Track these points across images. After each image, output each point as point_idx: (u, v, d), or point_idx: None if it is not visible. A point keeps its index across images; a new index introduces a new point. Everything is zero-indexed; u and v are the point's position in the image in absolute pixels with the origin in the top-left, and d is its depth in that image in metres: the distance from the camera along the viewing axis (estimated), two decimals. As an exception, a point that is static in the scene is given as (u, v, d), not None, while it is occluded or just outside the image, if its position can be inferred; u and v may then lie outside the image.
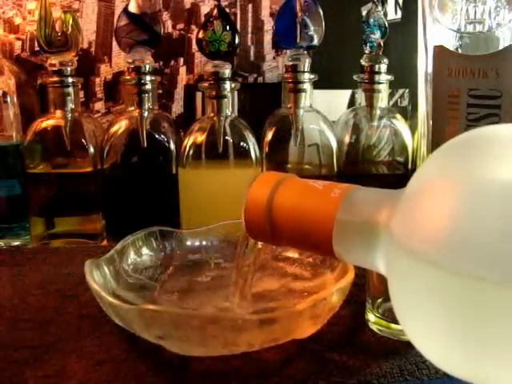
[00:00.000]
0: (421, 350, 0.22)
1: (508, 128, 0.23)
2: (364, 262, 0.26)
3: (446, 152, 0.23)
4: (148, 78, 0.51)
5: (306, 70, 0.51)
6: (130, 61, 0.51)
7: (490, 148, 0.22)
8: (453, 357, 0.21)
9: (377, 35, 0.53)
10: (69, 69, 0.51)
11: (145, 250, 0.38)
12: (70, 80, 0.51)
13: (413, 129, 0.55)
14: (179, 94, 0.63)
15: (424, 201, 0.22)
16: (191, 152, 0.50)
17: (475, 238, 0.19)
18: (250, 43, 0.63)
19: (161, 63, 0.62)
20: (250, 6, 0.63)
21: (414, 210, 0.22)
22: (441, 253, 0.20)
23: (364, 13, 0.58)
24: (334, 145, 0.53)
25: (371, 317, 0.32)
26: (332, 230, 0.25)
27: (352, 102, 0.63)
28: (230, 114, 0.51)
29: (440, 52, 0.38)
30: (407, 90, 0.65)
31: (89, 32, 0.62)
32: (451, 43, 0.38)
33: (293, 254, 0.38)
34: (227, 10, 0.58)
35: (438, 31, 0.38)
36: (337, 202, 0.25)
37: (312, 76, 0.52)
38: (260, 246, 0.31)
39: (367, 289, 0.33)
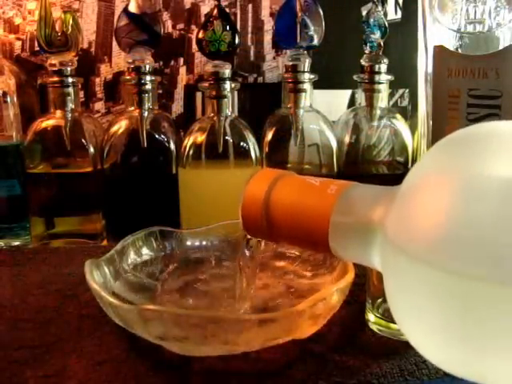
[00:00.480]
0: (417, 348, 0.22)
1: (507, 124, 0.22)
2: (360, 258, 0.26)
3: (443, 148, 0.23)
4: (148, 77, 0.51)
5: (306, 70, 0.51)
6: (130, 61, 0.51)
7: (488, 144, 0.21)
8: (450, 356, 0.21)
9: (377, 35, 0.53)
10: (69, 69, 0.51)
11: (145, 250, 0.38)
12: (70, 80, 0.51)
13: (413, 129, 0.54)
14: (179, 93, 0.63)
15: (418, 198, 0.21)
16: (191, 152, 0.50)
17: (472, 236, 0.19)
18: (250, 43, 0.63)
19: (161, 63, 0.62)
20: (250, 5, 0.63)
21: (408, 207, 0.22)
22: (436, 252, 0.19)
23: (364, 13, 0.58)
24: (334, 145, 0.53)
25: (371, 317, 0.32)
26: (328, 227, 0.25)
27: (352, 102, 0.63)
28: (230, 114, 0.51)
29: (440, 52, 0.38)
30: (407, 90, 0.65)
31: (89, 32, 0.62)
32: (451, 43, 0.38)
33: (293, 252, 0.38)
34: (227, 10, 0.58)
35: (438, 31, 0.38)
36: (333, 198, 0.25)
37: (312, 76, 0.52)
38: (262, 244, 0.31)
39: (367, 289, 0.33)
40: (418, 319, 0.21)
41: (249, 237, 0.30)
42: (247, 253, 0.30)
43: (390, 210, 0.23)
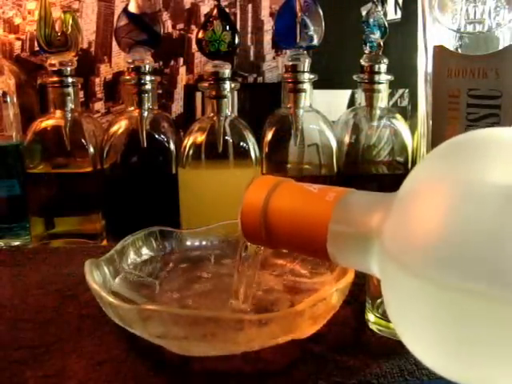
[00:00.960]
0: (416, 356, 0.22)
1: (504, 131, 0.22)
2: (359, 265, 0.26)
3: (441, 154, 0.23)
4: (148, 78, 0.51)
5: (305, 70, 0.51)
6: (130, 61, 0.51)
7: (487, 151, 0.21)
8: (450, 368, 0.20)
9: (377, 35, 0.53)
10: (69, 69, 0.51)
11: (145, 250, 0.38)
12: (70, 80, 0.51)
13: (413, 129, 0.54)
14: (179, 93, 0.63)
15: (416, 207, 0.21)
16: (191, 152, 0.50)
17: (469, 251, 0.18)
18: (250, 43, 0.63)
19: (161, 63, 0.62)
20: (250, 5, 0.63)
21: (405, 216, 0.21)
22: (433, 266, 0.19)
23: (364, 13, 0.57)
24: (334, 145, 0.53)
25: (371, 317, 0.32)
26: (326, 234, 0.25)
27: (352, 102, 0.63)
28: (229, 114, 0.51)
29: (440, 52, 0.38)
30: (407, 90, 0.65)
31: (89, 32, 0.62)
32: (451, 43, 0.38)
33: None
34: (227, 10, 0.58)
35: (438, 31, 0.38)
36: (331, 206, 0.25)
37: (312, 76, 0.52)
38: (261, 249, 0.31)
39: (367, 289, 0.33)
40: (416, 331, 0.21)
41: (247, 243, 0.30)
42: (245, 258, 0.31)
43: (388, 217, 0.22)
